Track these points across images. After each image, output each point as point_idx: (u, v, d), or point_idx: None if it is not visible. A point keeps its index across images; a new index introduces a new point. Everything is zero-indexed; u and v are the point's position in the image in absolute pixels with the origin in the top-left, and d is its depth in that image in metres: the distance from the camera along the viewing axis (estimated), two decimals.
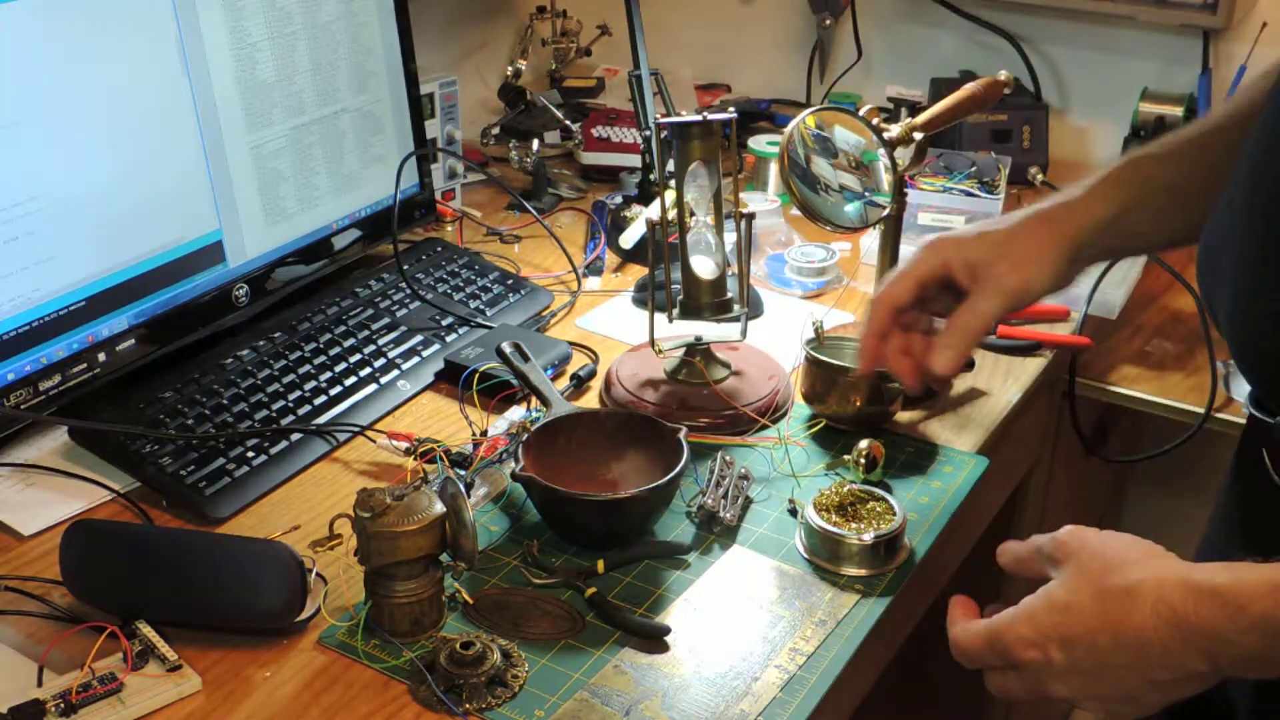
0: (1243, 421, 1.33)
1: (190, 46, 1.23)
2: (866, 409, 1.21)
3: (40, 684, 0.89)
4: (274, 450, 1.16)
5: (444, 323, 1.39)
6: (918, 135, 1.29)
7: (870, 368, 1.11)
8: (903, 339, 1.10)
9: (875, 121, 1.24)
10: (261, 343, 1.29)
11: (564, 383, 1.30)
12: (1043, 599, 0.83)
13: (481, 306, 1.44)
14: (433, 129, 1.69)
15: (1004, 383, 1.35)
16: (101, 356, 1.18)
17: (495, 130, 1.87)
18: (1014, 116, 1.85)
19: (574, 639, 0.96)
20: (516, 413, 1.22)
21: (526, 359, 1.22)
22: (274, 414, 1.20)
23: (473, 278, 1.49)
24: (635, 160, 1.80)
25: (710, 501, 1.09)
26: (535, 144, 1.82)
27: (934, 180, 1.60)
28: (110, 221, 1.18)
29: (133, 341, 1.21)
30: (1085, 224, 1.03)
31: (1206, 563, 0.78)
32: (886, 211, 1.26)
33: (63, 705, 0.86)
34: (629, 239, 1.59)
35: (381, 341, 1.34)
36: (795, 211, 1.33)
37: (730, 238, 1.24)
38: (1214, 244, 0.92)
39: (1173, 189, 1.03)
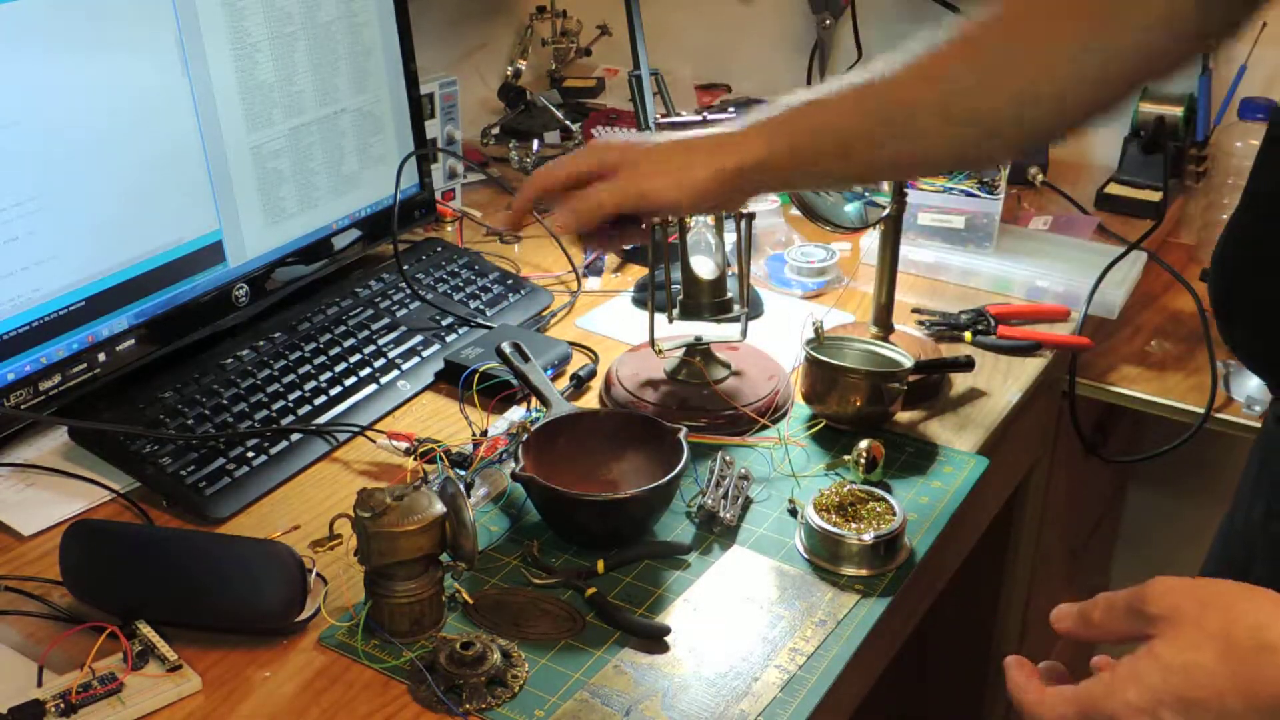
0: (1242, 421, 1.33)
1: (190, 46, 1.23)
2: (866, 409, 1.21)
3: (40, 684, 0.89)
4: (274, 450, 1.16)
5: (444, 323, 1.39)
6: None
7: (515, 225, 1.15)
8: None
9: None
10: (261, 343, 1.29)
11: (564, 383, 1.30)
12: (1150, 659, 0.72)
13: (481, 306, 1.44)
14: (433, 129, 1.69)
15: (1004, 383, 1.35)
16: (101, 356, 1.18)
17: (495, 130, 1.87)
18: None
19: (574, 639, 0.96)
20: (516, 413, 1.22)
21: (526, 359, 1.22)
22: (274, 414, 1.20)
23: (473, 278, 1.49)
24: None
25: (710, 501, 1.09)
26: (535, 144, 1.82)
27: (934, 180, 1.60)
28: (110, 221, 1.18)
29: (133, 341, 1.21)
30: (742, 159, 1.02)
31: None
32: (886, 211, 1.26)
33: (63, 705, 0.86)
34: None
35: (381, 341, 1.34)
36: (795, 211, 1.33)
37: (730, 238, 1.24)
38: (1228, 242, 0.93)
39: (836, 136, 1.02)
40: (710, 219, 1.23)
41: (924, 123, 0.98)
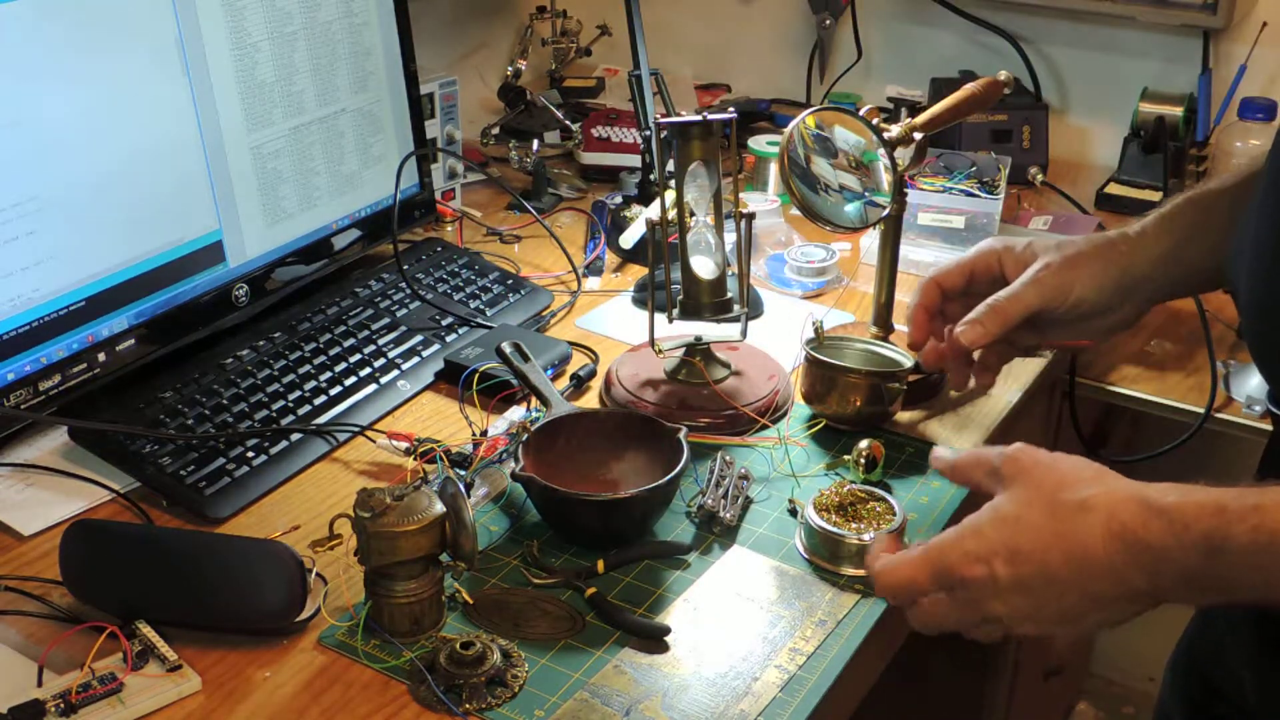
0: (1242, 421, 1.33)
1: (190, 46, 1.23)
2: (866, 409, 1.21)
3: (40, 684, 0.89)
4: (274, 450, 1.16)
5: (444, 323, 1.39)
6: (918, 135, 1.29)
7: (922, 338, 1.16)
8: (941, 325, 1.14)
9: (875, 121, 1.24)
10: (261, 343, 1.29)
11: (564, 383, 1.30)
12: (990, 514, 0.83)
13: (481, 306, 1.44)
14: (433, 129, 1.69)
15: (1004, 383, 1.34)
16: (101, 356, 1.18)
17: (495, 130, 1.87)
18: (1014, 116, 1.86)
19: (574, 639, 0.96)
20: (516, 413, 1.22)
21: (526, 359, 1.22)
22: (274, 414, 1.20)
23: (473, 278, 1.49)
24: (635, 160, 1.80)
25: (710, 501, 1.09)
26: (535, 144, 1.82)
27: (934, 180, 1.60)
28: (110, 221, 1.18)
29: (133, 341, 1.21)
30: (1142, 253, 1.05)
31: (1159, 484, 0.79)
32: (886, 211, 1.26)
33: (63, 705, 0.86)
34: (629, 239, 1.59)
35: (381, 341, 1.34)
36: (795, 211, 1.33)
37: (730, 238, 1.24)
38: (1239, 234, 0.92)
39: (1233, 219, 1.01)
40: (710, 218, 1.23)
41: None
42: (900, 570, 0.86)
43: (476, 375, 1.21)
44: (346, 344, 1.32)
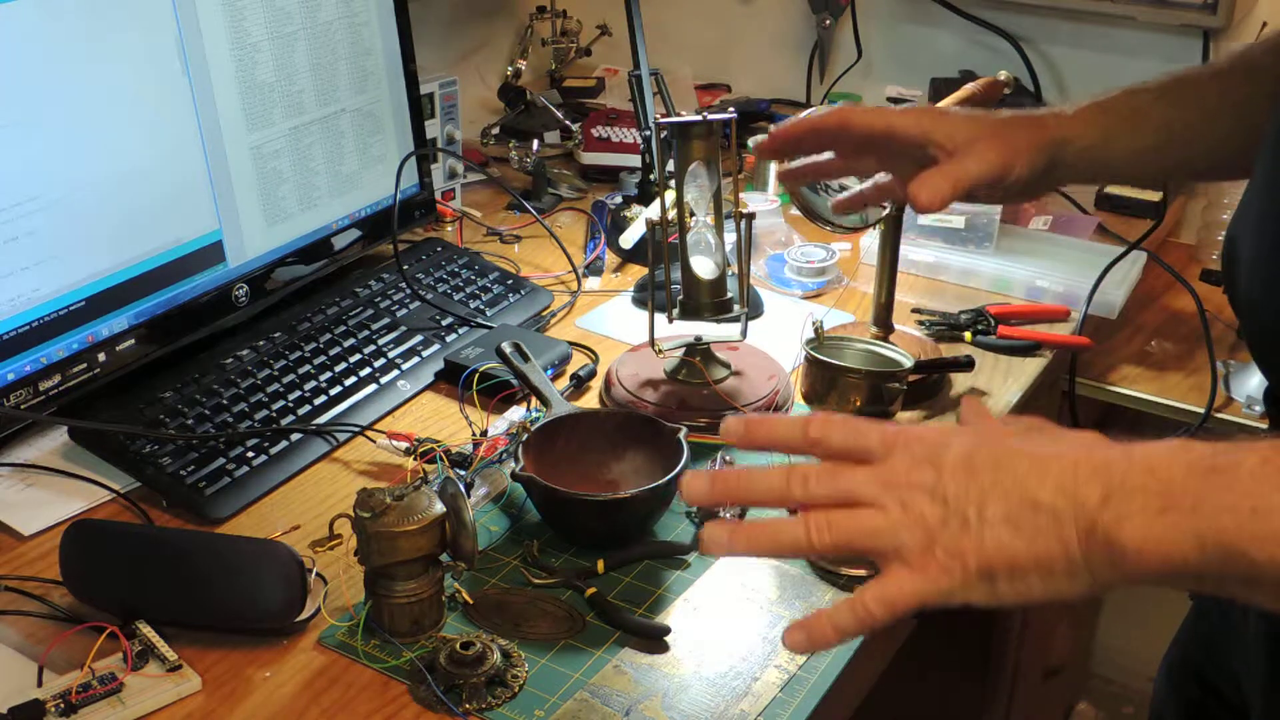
0: (1242, 421, 1.33)
1: (190, 46, 1.23)
2: (866, 409, 1.21)
3: (40, 684, 0.89)
4: (274, 450, 1.16)
5: (444, 323, 1.39)
6: None
7: (781, 136, 1.05)
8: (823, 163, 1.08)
9: None
10: (261, 343, 1.29)
11: (564, 383, 1.30)
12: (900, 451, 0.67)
13: (481, 306, 1.44)
14: (433, 129, 1.69)
15: (1004, 383, 1.35)
16: (101, 356, 1.18)
17: (495, 130, 1.87)
18: None
19: (574, 639, 0.96)
20: (516, 413, 1.22)
21: (526, 359, 1.22)
22: (274, 414, 1.20)
23: (473, 278, 1.49)
24: (635, 160, 1.80)
25: None
26: (535, 144, 1.82)
27: None
28: (110, 221, 1.18)
29: (133, 341, 1.21)
30: (1070, 139, 1.02)
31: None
32: (886, 211, 1.26)
33: (63, 705, 0.86)
34: (629, 239, 1.59)
35: (381, 341, 1.34)
36: (795, 211, 1.33)
37: (730, 238, 1.24)
38: (1237, 228, 0.92)
39: (1161, 126, 1.02)
40: (710, 218, 1.23)
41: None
42: (780, 423, 0.69)
43: (476, 375, 1.21)
44: (346, 344, 1.32)
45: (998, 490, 0.64)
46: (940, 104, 1.36)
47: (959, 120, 1.02)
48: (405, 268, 1.44)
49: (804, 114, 1.06)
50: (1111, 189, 1.83)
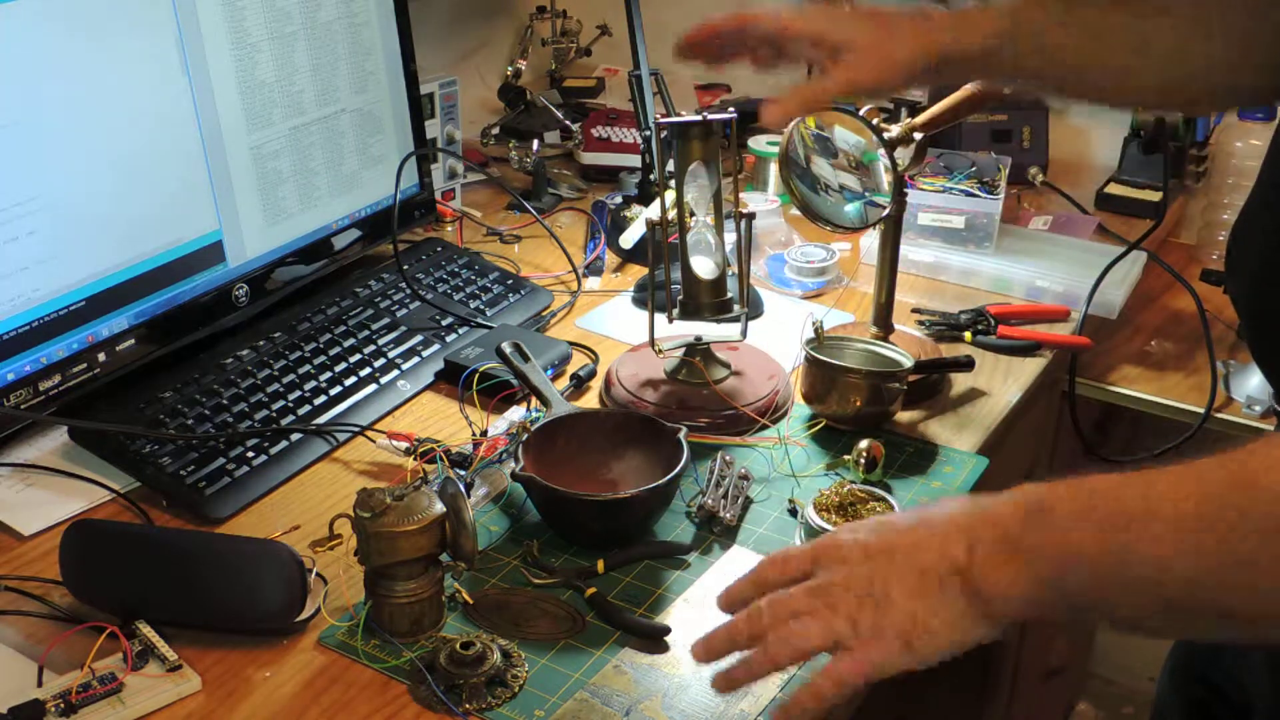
0: (1242, 421, 1.33)
1: (190, 46, 1.23)
2: (866, 409, 1.21)
3: (40, 684, 0.89)
4: (274, 450, 1.16)
5: (444, 323, 1.39)
6: (918, 135, 1.29)
7: (687, 41, 1.11)
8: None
9: (875, 121, 1.24)
10: (261, 343, 1.29)
11: (564, 383, 1.30)
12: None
13: (481, 306, 1.44)
14: (433, 129, 1.69)
15: (1004, 383, 1.35)
16: (101, 356, 1.18)
17: (495, 130, 1.87)
18: (1014, 116, 1.86)
19: (574, 639, 0.96)
20: (516, 413, 1.22)
21: (526, 359, 1.22)
22: (274, 414, 1.20)
23: (473, 278, 1.49)
24: (635, 160, 1.81)
25: (710, 501, 1.09)
26: (535, 144, 1.82)
27: (934, 180, 1.60)
28: (110, 221, 1.18)
29: (133, 341, 1.21)
30: (959, 44, 1.02)
31: None
32: (886, 211, 1.26)
33: (63, 705, 0.86)
34: (629, 239, 1.59)
35: (381, 341, 1.34)
36: (795, 211, 1.33)
37: (730, 238, 1.24)
38: (1240, 229, 0.92)
39: (1052, 48, 1.01)
40: (710, 218, 1.23)
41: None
42: (774, 560, 0.80)
43: (476, 375, 1.21)
44: (346, 344, 1.32)
45: (894, 569, 0.74)
46: (938, 103, 1.36)
47: (844, 22, 1.03)
48: (405, 268, 1.44)
49: (714, 17, 1.09)
50: (1111, 189, 1.83)
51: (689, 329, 1.26)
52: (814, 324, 1.26)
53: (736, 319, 1.24)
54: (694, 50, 1.10)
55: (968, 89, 1.37)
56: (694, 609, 1.00)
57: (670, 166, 1.22)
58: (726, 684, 0.79)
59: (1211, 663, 1.05)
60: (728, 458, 1.15)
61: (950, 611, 0.72)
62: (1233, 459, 0.65)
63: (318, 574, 1.01)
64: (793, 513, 1.11)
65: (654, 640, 0.96)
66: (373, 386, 1.28)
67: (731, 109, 1.24)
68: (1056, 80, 1.06)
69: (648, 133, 1.64)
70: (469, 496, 1.09)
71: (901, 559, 0.74)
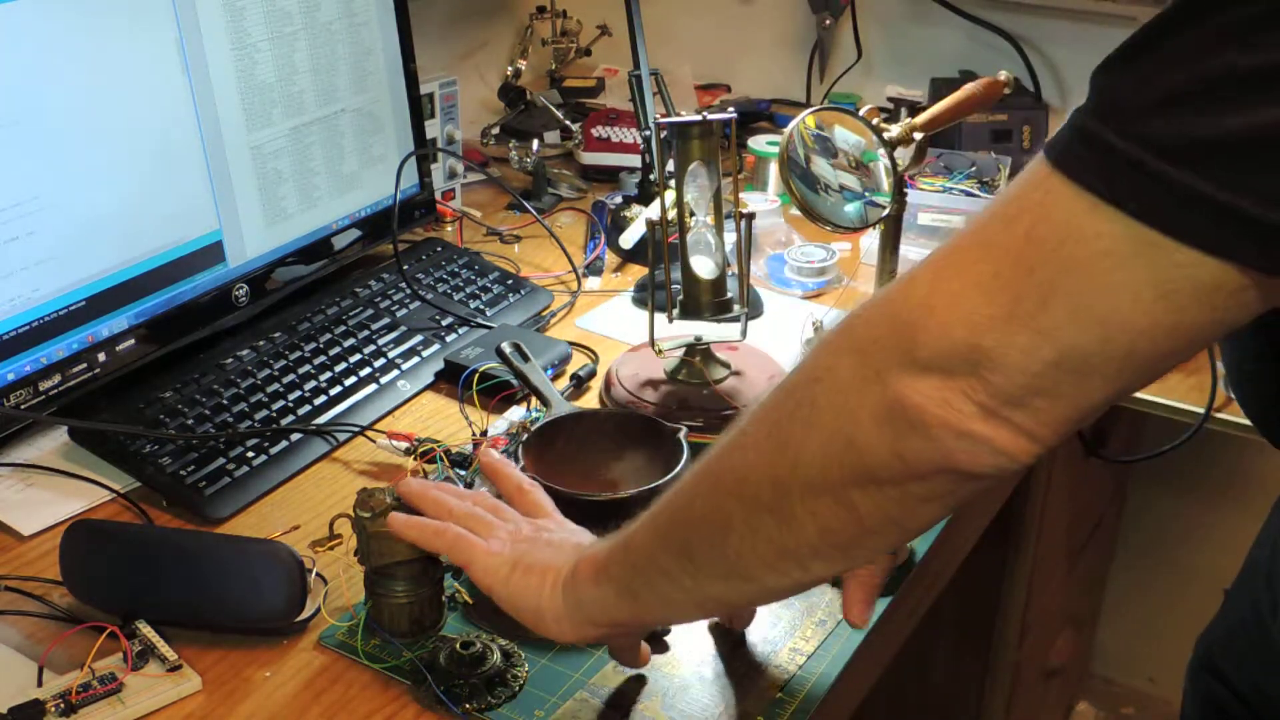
0: (1242, 421, 1.32)
1: (190, 46, 1.23)
2: None
3: (40, 684, 0.89)
4: (274, 450, 1.16)
5: (444, 323, 1.39)
6: (918, 135, 1.29)
7: None
8: None
9: (875, 121, 1.24)
10: (261, 343, 1.29)
11: (564, 383, 1.30)
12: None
13: (481, 306, 1.44)
14: (433, 129, 1.69)
15: None
16: (101, 356, 1.18)
17: (495, 130, 1.87)
18: (1014, 116, 1.85)
19: None
20: (516, 413, 1.22)
21: (526, 359, 1.22)
22: (274, 414, 1.20)
23: (473, 278, 1.49)
24: (635, 160, 1.80)
25: None
26: (535, 144, 1.82)
27: (934, 180, 1.60)
28: (110, 221, 1.18)
29: (133, 341, 1.21)
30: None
31: None
32: (886, 211, 1.26)
33: (63, 705, 0.86)
34: (629, 239, 1.59)
35: (381, 341, 1.34)
36: (795, 211, 1.33)
37: (730, 238, 1.24)
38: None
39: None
40: (710, 218, 1.23)
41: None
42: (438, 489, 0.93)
43: (476, 375, 1.21)
44: (346, 344, 1.32)
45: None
46: (938, 103, 1.36)
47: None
48: (405, 268, 1.44)
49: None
50: None
51: (689, 329, 1.26)
52: (814, 324, 1.26)
53: (736, 319, 1.24)
54: None
55: (967, 88, 1.38)
56: None
57: (670, 166, 1.22)
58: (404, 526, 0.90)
59: (1233, 666, 1.04)
60: None
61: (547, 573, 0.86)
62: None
63: (318, 574, 1.01)
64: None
65: (654, 640, 0.96)
66: (373, 386, 1.28)
67: (731, 109, 1.24)
68: None
69: (648, 133, 1.64)
70: None
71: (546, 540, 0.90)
